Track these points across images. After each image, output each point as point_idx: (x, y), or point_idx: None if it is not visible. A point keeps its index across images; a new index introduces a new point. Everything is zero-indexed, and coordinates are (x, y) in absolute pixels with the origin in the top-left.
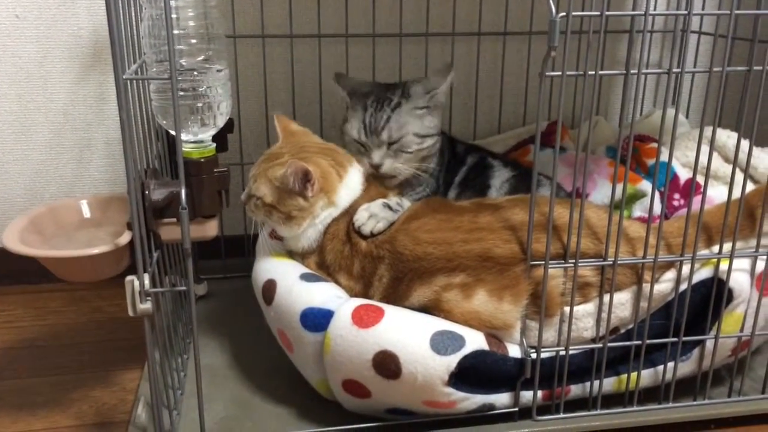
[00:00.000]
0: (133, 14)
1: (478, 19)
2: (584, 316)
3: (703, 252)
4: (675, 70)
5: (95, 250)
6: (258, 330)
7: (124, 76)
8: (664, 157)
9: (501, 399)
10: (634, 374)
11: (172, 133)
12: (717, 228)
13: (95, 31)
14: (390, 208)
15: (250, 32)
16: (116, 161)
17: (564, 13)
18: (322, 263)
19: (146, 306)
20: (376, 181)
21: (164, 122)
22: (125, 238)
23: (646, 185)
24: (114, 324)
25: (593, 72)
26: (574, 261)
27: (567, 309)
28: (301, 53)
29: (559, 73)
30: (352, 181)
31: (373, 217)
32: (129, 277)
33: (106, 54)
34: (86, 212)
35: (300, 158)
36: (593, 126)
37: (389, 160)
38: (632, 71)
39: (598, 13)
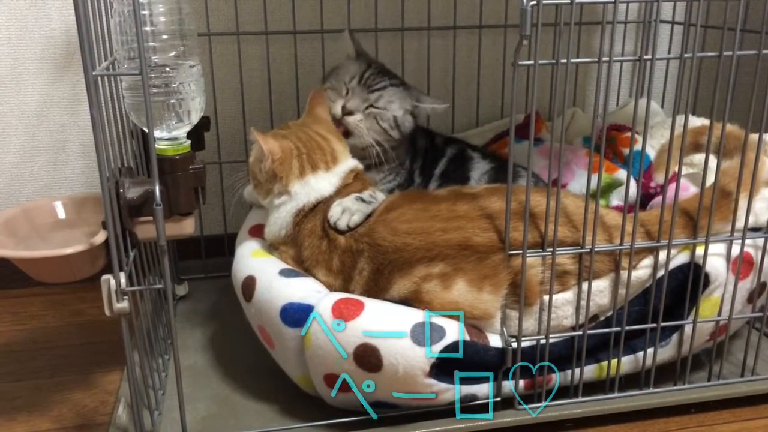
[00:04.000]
0: (103, 11)
1: (453, 12)
2: (563, 305)
3: (679, 237)
4: (646, 57)
5: (70, 250)
6: (239, 329)
7: (93, 73)
8: (639, 145)
9: (483, 389)
10: (614, 361)
11: (147, 130)
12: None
13: (68, 31)
14: (363, 200)
15: (225, 30)
16: (92, 162)
17: (535, 2)
18: (298, 258)
19: (123, 305)
20: (358, 181)
21: (138, 120)
22: (100, 237)
23: (623, 174)
24: (94, 326)
25: (565, 60)
26: (552, 249)
27: (546, 297)
28: (276, 50)
29: (532, 62)
30: (314, 181)
31: (346, 211)
32: (105, 276)
33: (79, 54)
34: (61, 213)
35: (283, 136)
36: (570, 117)
37: (360, 115)
38: (604, 59)
39: (569, 1)
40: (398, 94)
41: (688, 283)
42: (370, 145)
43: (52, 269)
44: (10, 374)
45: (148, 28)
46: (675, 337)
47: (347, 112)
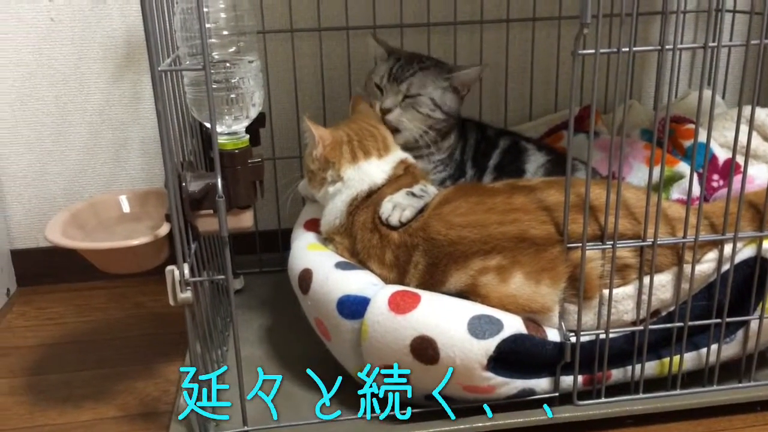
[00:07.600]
0: (165, 9)
1: (506, 5)
2: (624, 299)
3: (745, 231)
4: (711, 44)
5: (136, 242)
6: (294, 322)
7: (159, 68)
8: (700, 138)
9: (541, 384)
10: (676, 357)
11: (207, 125)
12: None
13: (128, 31)
14: (414, 195)
15: (279, 27)
16: (152, 159)
17: None
18: (353, 250)
19: (186, 295)
20: (409, 175)
21: (199, 115)
22: (164, 229)
23: (683, 167)
24: (155, 319)
25: (627, 49)
26: (612, 242)
27: (606, 292)
28: (329, 47)
29: (593, 51)
30: (367, 167)
31: (397, 206)
32: (169, 267)
33: (139, 54)
34: (125, 207)
35: (335, 127)
36: (627, 109)
37: (399, 110)
38: (667, 47)
39: None
40: (429, 74)
41: (755, 277)
42: (419, 136)
43: (119, 260)
44: (76, 364)
45: (208, 25)
46: (740, 333)
47: (385, 111)
